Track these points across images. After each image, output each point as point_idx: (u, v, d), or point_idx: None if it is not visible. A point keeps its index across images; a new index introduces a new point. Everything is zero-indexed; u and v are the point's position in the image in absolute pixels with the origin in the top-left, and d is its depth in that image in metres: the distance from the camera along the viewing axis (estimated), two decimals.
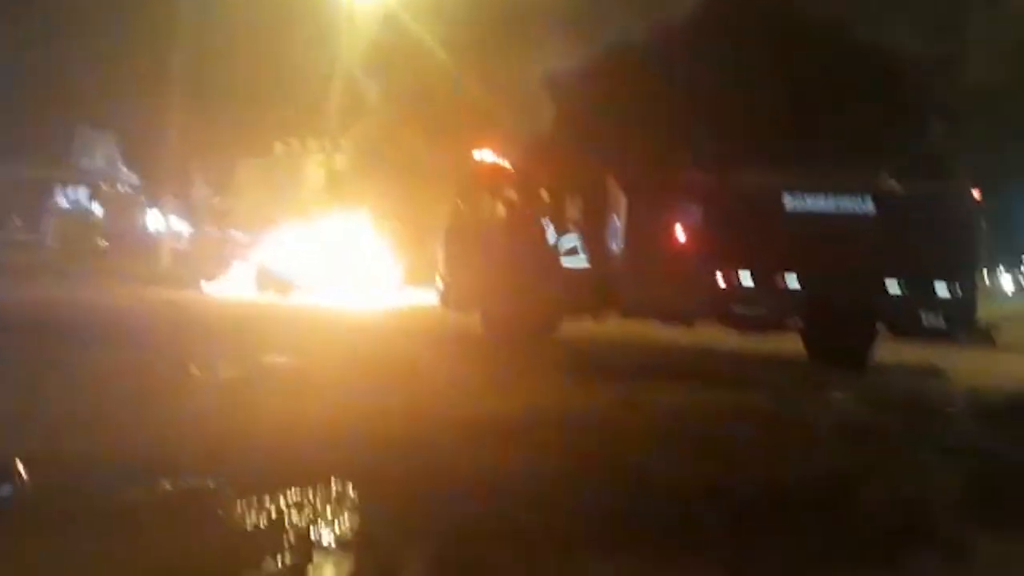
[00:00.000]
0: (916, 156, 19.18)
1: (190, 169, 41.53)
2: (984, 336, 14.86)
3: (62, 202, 38.40)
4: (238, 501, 5.09)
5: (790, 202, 15.26)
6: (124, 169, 41.48)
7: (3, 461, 4.23)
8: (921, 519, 5.61)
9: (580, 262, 15.97)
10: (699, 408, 9.08)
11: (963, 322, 14.63)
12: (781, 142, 18.86)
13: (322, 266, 23.44)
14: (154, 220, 38.49)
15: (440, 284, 16.77)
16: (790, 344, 15.10)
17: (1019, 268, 31.75)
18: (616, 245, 16.37)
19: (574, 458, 6.69)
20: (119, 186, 39.98)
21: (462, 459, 6.41)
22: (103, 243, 35.23)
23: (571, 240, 16.06)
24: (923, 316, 14.52)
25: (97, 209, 38.80)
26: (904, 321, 14.70)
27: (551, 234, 16.01)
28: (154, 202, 38.45)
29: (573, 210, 16.55)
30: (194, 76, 34.47)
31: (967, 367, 14.23)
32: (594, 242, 16.09)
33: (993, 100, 21.52)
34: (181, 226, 39.80)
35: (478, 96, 23.15)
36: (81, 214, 37.87)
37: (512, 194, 16.75)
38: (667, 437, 7.70)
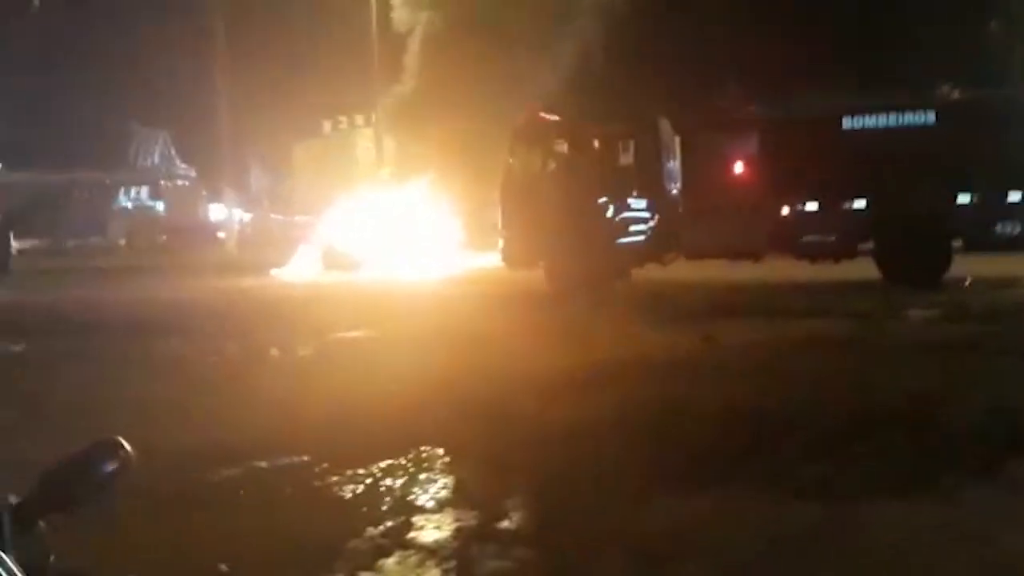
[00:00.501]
0: (974, 64, 18.57)
1: (245, 157, 42.09)
2: None
3: (126, 203, 39.18)
4: (333, 475, 5.20)
5: (850, 124, 14.96)
6: (181, 164, 42.11)
7: (108, 439, 4.35)
8: (1013, 426, 5.51)
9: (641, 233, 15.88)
10: (779, 340, 9.00)
11: None
12: (836, 64, 18.38)
13: (385, 239, 23.59)
14: (217, 211, 39.09)
15: (501, 242, 16.83)
16: (864, 270, 14.84)
17: None
18: (675, 188, 16.23)
19: (659, 400, 6.68)
20: (179, 182, 40.60)
21: (547, 412, 6.45)
22: (162, 238, 35.93)
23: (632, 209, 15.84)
24: (998, 226, 14.18)
25: (160, 206, 39.50)
26: (978, 233, 14.37)
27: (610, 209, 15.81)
28: (215, 194, 39.03)
29: (628, 157, 16.45)
30: (238, 64, 34.85)
31: None
32: (653, 188, 15.97)
33: None
34: (244, 215, 40.37)
35: (526, 51, 22.90)
36: (145, 213, 38.60)
37: (566, 146, 16.69)
38: (751, 371, 7.64)
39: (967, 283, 14.14)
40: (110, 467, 1.41)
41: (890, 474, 4.76)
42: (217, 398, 7.34)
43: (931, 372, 7.03)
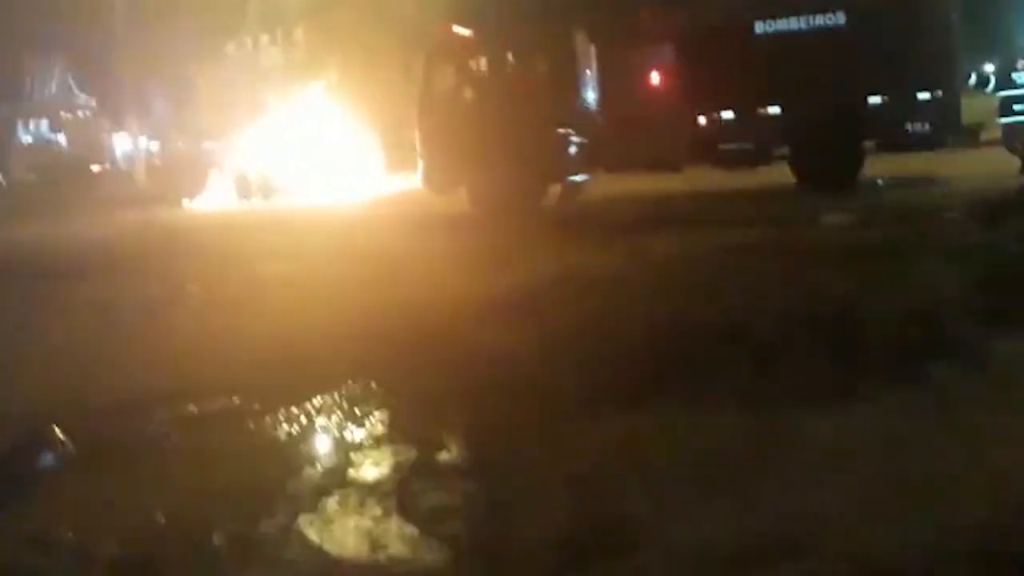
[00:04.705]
0: None
1: (147, 84, 40.54)
2: (970, 136, 14.82)
3: (25, 137, 37.58)
4: (265, 416, 5.12)
5: (762, 29, 14.99)
6: (81, 95, 40.43)
7: (42, 430, 4.20)
8: (933, 328, 5.66)
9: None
10: (702, 252, 9.10)
11: (948, 127, 14.57)
12: None
13: (300, 164, 23.14)
14: (122, 142, 37.77)
15: (420, 165, 16.61)
16: (781, 175, 15.05)
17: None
18: (592, 101, 16.14)
19: (586, 319, 6.71)
20: (79, 112, 39.02)
21: (475, 338, 6.42)
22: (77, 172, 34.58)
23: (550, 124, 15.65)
24: (909, 126, 14.46)
25: (61, 139, 37.99)
26: (890, 133, 14.65)
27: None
28: (118, 124, 37.64)
29: (544, 72, 16.25)
30: None
31: (957, 170, 14.25)
32: (570, 102, 15.83)
33: None
34: (151, 145, 39.07)
35: None
36: (46, 146, 37.09)
37: (481, 63, 16.41)
38: (675, 286, 7.71)
39: (880, 183, 14.48)
40: (50, 460, 1.33)
41: (818, 383, 4.85)
42: (139, 342, 7.16)
43: (849, 278, 7.15)
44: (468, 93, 16.21)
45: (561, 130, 15.67)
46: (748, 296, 6.98)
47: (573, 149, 15.75)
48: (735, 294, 7.05)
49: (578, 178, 15.05)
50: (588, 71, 16.15)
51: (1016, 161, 14.07)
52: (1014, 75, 14.77)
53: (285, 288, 9.09)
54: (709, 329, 6.01)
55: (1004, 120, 14.67)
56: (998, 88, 14.75)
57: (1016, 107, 14.50)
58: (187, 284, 9.44)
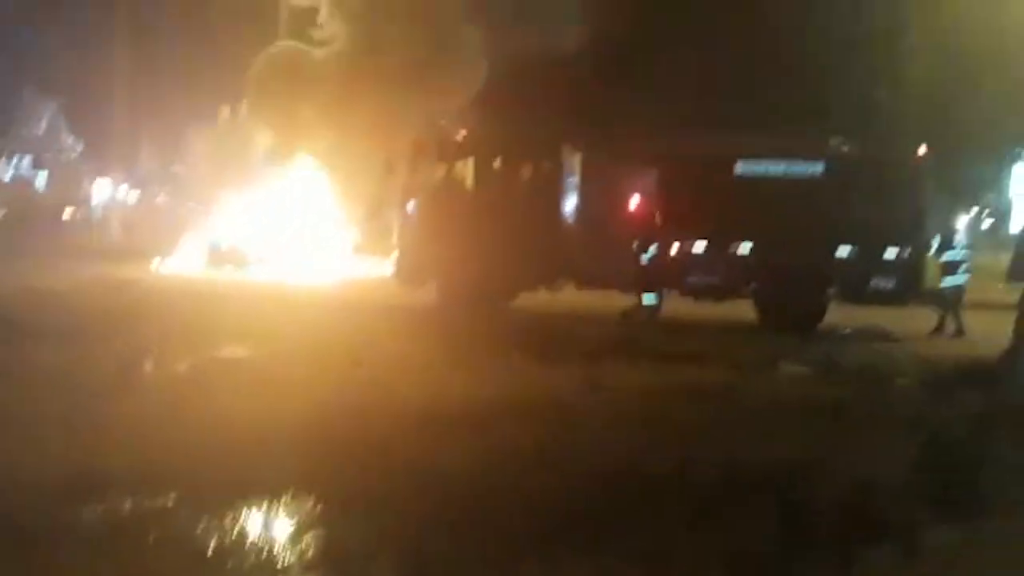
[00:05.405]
0: (865, 120, 19.37)
1: (139, 135, 40.72)
2: (933, 297, 15.13)
3: (6, 171, 37.53)
4: (199, 521, 5.08)
5: (742, 168, 15.36)
6: (69, 137, 40.52)
7: None
8: (873, 508, 5.71)
9: None
10: (658, 388, 9.19)
11: (912, 285, 14.87)
12: (732, 109, 18.91)
13: (274, 238, 23.22)
14: (101, 190, 37.74)
15: (395, 256, 16.75)
16: (746, 311, 15.28)
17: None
18: (571, 215, 16.38)
19: (535, 450, 6.74)
20: (64, 154, 39.08)
21: (421, 457, 6.44)
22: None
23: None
24: (873, 281, 14.77)
25: (42, 178, 37.96)
26: (855, 286, 14.95)
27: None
28: (102, 171, 37.67)
29: (528, 180, 16.52)
30: (141, 38, 33.71)
31: (916, 326, 14.58)
32: (550, 214, 16.07)
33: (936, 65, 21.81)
34: (131, 196, 39.06)
35: (429, 59, 22.76)
36: (23, 184, 37.03)
37: (467, 164, 16.66)
38: (628, 422, 7.78)
39: (842, 332, 14.70)
40: None
41: (756, 554, 4.90)
42: (85, 418, 7.10)
43: (796, 441, 7.24)
44: (450, 191, 16.43)
45: (537, 239, 15.82)
46: (692, 445, 7.06)
47: (547, 259, 15.90)
48: (680, 442, 7.13)
49: (650, 299, 14.94)
50: (571, 186, 16.43)
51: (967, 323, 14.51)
52: (954, 240, 15.23)
53: (238, 374, 9.07)
54: (649, 481, 6.05)
55: (944, 284, 14.95)
56: (940, 251, 15.09)
57: (951, 273, 14.85)
58: (144, 358, 9.39)
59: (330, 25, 24.61)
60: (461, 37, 22.88)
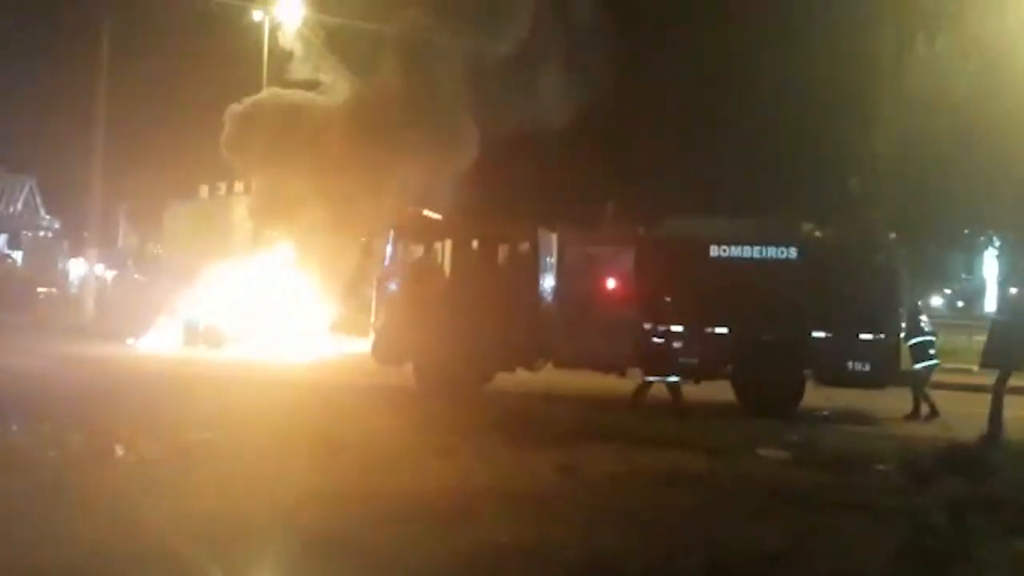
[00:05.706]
0: (838, 206, 19.70)
1: (115, 213, 40.76)
2: (909, 378, 15.22)
3: None
4: None
5: (717, 252, 15.49)
6: (45, 216, 40.48)
7: None
8: None
9: None
10: (636, 476, 9.10)
11: (887, 369, 14.92)
12: (707, 195, 19.22)
13: (250, 317, 23.10)
14: (78, 268, 37.58)
15: (373, 337, 16.71)
16: (725, 392, 15.26)
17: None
18: (548, 296, 16.45)
19: (508, 546, 6.63)
20: (41, 233, 38.99)
21: (390, 553, 6.32)
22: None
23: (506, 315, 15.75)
24: (849, 364, 14.83)
25: (19, 256, 37.80)
26: (831, 369, 14.99)
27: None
28: (78, 249, 37.56)
29: (505, 262, 16.60)
30: (119, 116, 33.92)
31: (892, 406, 14.60)
32: (527, 295, 16.11)
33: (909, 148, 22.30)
34: (107, 274, 38.91)
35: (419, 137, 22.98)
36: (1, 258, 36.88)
37: (445, 247, 16.76)
38: (605, 514, 7.67)
39: (820, 415, 14.71)
40: None
41: None
42: (50, 509, 6.94)
43: (773, 530, 7.18)
44: (428, 274, 16.48)
45: (514, 320, 15.83)
46: (668, 536, 6.99)
47: (525, 340, 15.88)
48: (656, 533, 7.05)
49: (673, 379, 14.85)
50: (548, 267, 16.52)
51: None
52: (921, 322, 15.37)
53: (205, 462, 8.91)
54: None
55: (916, 366, 15.05)
56: (908, 336, 15.20)
57: (921, 356, 15.01)
58: (115, 443, 9.23)
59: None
60: (454, 117, 23.14)
